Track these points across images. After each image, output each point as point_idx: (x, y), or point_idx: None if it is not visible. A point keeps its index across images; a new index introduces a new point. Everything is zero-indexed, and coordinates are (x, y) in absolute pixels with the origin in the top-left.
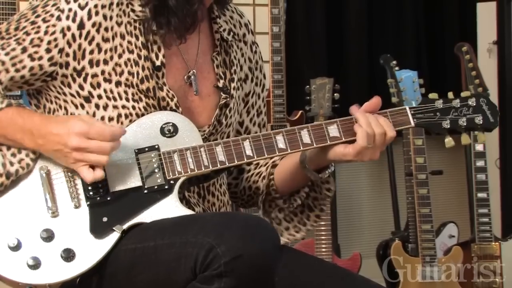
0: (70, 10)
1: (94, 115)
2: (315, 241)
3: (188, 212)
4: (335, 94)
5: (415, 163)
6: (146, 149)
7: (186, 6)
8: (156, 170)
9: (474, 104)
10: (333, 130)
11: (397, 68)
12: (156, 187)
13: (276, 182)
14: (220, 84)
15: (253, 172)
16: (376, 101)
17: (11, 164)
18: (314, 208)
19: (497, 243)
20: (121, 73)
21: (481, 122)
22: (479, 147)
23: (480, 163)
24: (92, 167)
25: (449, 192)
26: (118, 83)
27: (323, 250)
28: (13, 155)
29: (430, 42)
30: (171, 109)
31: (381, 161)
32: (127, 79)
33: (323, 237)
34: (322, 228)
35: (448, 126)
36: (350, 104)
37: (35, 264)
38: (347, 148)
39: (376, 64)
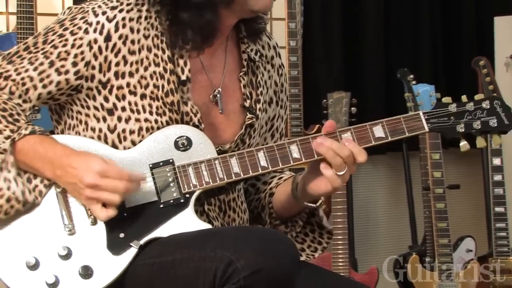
0: (98, 23)
1: (115, 128)
2: (332, 255)
3: (205, 225)
4: (352, 108)
5: (432, 177)
6: (161, 163)
7: (198, 17)
8: (172, 184)
9: (488, 107)
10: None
11: (414, 82)
12: (172, 201)
13: (275, 210)
14: (247, 104)
15: (254, 197)
16: (330, 124)
17: (29, 192)
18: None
19: None
20: (146, 86)
21: (495, 125)
22: (496, 161)
23: (497, 177)
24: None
25: (466, 206)
26: (143, 96)
27: (340, 264)
28: (29, 180)
29: (447, 56)
30: (194, 125)
31: (398, 175)
32: (152, 92)
33: (340, 251)
34: (339, 242)
35: (463, 130)
36: (367, 118)
37: (54, 282)
38: (326, 186)
39: (393, 78)
